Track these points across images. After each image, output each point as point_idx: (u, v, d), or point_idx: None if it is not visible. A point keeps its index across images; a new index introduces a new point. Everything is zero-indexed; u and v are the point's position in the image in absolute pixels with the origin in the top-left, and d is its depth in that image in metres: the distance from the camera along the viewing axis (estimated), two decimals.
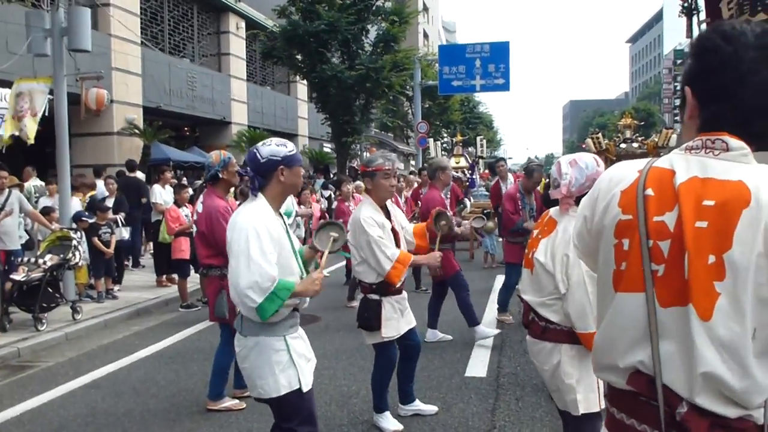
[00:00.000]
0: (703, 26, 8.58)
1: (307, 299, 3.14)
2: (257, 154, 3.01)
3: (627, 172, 1.55)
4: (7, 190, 7.89)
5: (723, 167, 1.41)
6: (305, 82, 23.37)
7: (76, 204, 9.55)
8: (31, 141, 8.31)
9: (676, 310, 1.40)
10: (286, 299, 2.84)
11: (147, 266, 11.84)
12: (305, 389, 2.97)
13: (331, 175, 23.31)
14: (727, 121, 1.45)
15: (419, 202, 9.87)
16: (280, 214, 3.12)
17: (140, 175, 12.78)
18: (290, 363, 2.93)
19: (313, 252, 3.42)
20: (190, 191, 9.79)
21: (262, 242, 2.81)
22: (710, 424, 1.36)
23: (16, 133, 8.11)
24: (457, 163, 18.83)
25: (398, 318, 4.45)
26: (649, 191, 1.46)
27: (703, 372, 1.35)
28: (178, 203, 9.32)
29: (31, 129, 8.20)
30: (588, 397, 3.00)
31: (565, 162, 3.15)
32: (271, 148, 3.02)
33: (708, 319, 1.34)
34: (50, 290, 7.49)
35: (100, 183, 11.71)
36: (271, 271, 2.78)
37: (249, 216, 2.89)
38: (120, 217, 10.18)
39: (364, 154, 28.19)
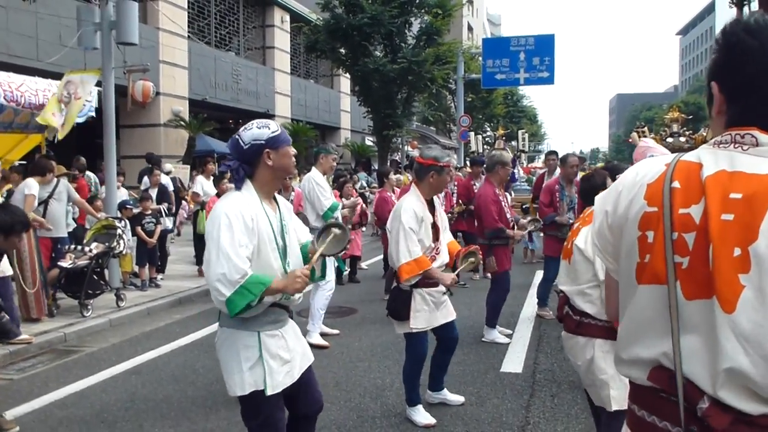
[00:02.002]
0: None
1: (297, 296, 2.90)
2: (239, 141, 2.80)
3: (654, 166, 1.54)
4: (55, 179, 8.14)
5: (752, 161, 1.39)
6: (348, 75, 23.43)
7: (122, 193, 9.78)
8: (62, 134, 8.42)
9: (700, 303, 1.37)
10: (259, 294, 2.62)
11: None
12: (269, 392, 2.75)
13: (373, 169, 23.38)
14: (756, 114, 1.43)
15: (469, 194, 9.81)
16: (275, 199, 2.96)
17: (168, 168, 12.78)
18: (259, 362, 2.75)
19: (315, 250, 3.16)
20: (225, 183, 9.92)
21: (234, 232, 2.63)
22: (732, 420, 1.34)
23: (54, 119, 8.18)
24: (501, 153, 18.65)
25: (430, 310, 4.43)
26: (676, 184, 1.44)
27: (726, 368, 1.32)
28: (219, 194, 9.46)
29: (71, 115, 8.33)
30: (621, 393, 2.95)
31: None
32: (253, 131, 2.80)
33: (731, 312, 1.32)
34: (95, 278, 7.69)
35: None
36: (240, 264, 2.60)
37: (226, 204, 2.72)
38: (163, 207, 10.38)
39: (406, 147, 28.17)
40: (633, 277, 1.52)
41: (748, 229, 1.32)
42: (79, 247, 7.74)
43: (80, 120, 8.95)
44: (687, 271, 1.40)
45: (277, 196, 3.00)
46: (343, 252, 3.32)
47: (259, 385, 2.74)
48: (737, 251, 1.32)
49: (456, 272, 4.54)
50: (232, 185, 2.92)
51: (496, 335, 6.61)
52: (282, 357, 2.82)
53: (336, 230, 3.14)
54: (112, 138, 9.09)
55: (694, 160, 1.47)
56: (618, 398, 2.98)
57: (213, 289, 2.61)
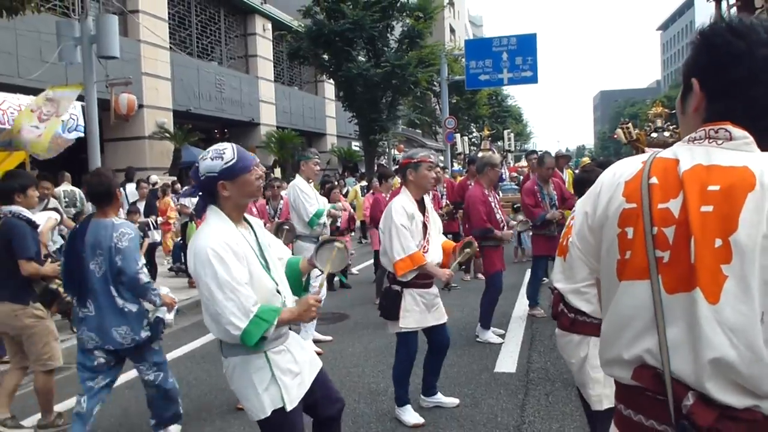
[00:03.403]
0: (733, 11, 8.41)
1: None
2: (198, 170, 2.70)
3: (631, 164, 1.56)
4: (46, 199, 8.16)
5: (727, 155, 1.41)
6: (332, 81, 23.44)
7: None
8: (43, 154, 8.39)
9: (682, 296, 1.39)
10: (273, 322, 2.62)
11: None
12: (289, 407, 2.76)
13: (360, 173, 23.39)
14: (737, 117, 1.44)
15: (464, 194, 9.84)
16: (248, 221, 2.89)
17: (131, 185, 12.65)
18: (273, 381, 2.74)
19: (311, 267, 3.13)
20: None
21: (228, 264, 2.56)
22: (718, 416, 1.35)
23: (29, 129, 8.11)
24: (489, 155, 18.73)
25: (421, 311, 4.46)
26: (654, 180, 1.46)
27: (712, 359, 1.34)
28: None
29: (48, 132, 8.28)
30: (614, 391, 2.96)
31: None
32: (206, 163, 2.68)
33: (716, 302, 1.33)
34: None
35: (131, 186, 11.91)
36: (248, 293, 2.58)
37: (206, 237, 2.62)
38: (151, 220, 10.33)
39: (392, 151, 28.20)
40: (614, 274, 1.53)
41: (727, 220, 1.33)
42: None
43: (71, 137, 8.90)
44: (668, 265, 1.41)
45: (247, 216, 2.94)
46: (349, 259, 3.33)
47: (277, 403, 2.74)
48: (718, 242, 1.34)
49: (452, 265, 4.58)
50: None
51: (490, 335, 6.63)
52: (292, 371, 2.82)
53: (338, 245, 3.14)
54: (96, 152, 9.06)
55: (671, 156, 1.49)
56: (611, 396, 2.97)
57: (226, 324, 2.56)
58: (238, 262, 2.61)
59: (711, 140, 1.44)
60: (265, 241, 2.93)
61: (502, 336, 6.73)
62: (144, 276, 4.04)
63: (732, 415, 1.35)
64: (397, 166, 4.94)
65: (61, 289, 4.76)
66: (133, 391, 5.69)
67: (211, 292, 2.56)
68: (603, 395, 3.04)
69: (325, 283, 3.06)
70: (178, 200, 11.63)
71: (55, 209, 8.25)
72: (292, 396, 2.79)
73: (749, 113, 1.43)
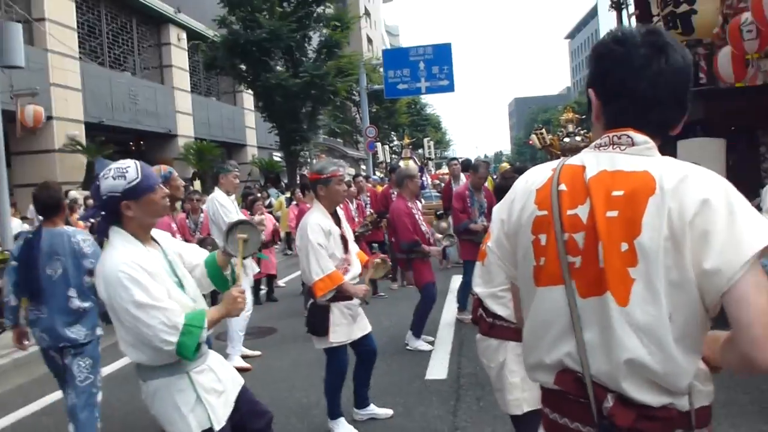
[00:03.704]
0: (633, 19, 8.88)
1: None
2: (99, 190, 2.57)
3: (542, 172, 1.63)
4: None
5: (630, 160, 1.47)
6: (250, 91, 23.17)
7: (16, 224, 9.26)
8: None
9: (595, 300, 1.44)
10: (205, 325, 2.55)
11: None
12: (217, 427, 2.67)
13: (282, 184, 23.17)
14: (629, 114, 1.52)
15: (388, 203, 9.87)
16: (155, 240, 2.78)
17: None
18: (198, 402, 2.64)
19: (227, 257, 3.02)
20: None
21: (142, 283, 2.46)
22: (636, 416, 1.41)
23: None
24: (406, 166, 18.92)
25: (348, 323, 4.45)
26: (563, 186, 1.52)
27: (626, 359, 1.39)
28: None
29: None
30: (533, 394, 2.99)
31: None
32: (108, 182, 2.55)
33: (625, 305, 1.39)
34: None
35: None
36: (171, 306, 2.49)
37: (114, 261, 2.50)
38: None
39: (314, 161, 28.08)
40: (531, 280, 1.59)
41: (631, 224, 1.39)
42: None
43: None
44: (580, 270, 1.46)
45: (154, 232, 2.82)
46: (260, 248, 3.21)
47: (204, 424, 2.64)
48: (624, 246, 1.40)
49: (366, 281, 4.59)
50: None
51: (420, 343, 6.68)
52: (216, 389, 2.74)
53: (244, 230, 3.04)
54: (2, 166, 8.61)
55: (578, 163, 1.55)
56: (530, 399, 3.03)
57: (158, 342, 2.46)
58: (153, 280, 2.51)
59: (615, 146, 1.51)
60: (175, 257, 2.82)
61: (432, 343, 6.79)
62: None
63: (649, 414, 1.41)
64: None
65: None
66: (50, 417, 5.44)
67: (133, 316, 2.45)
68: (522, 399, 3.10)
69: (243, 274, 2.96)
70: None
71: None
72: (219, 415, 2.71)
73: (638, 109, 1.51)
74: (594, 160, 1.52)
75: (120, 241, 2.58)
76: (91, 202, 10.59)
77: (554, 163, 1.62)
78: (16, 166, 15.09)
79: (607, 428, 1.43)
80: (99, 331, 4.36)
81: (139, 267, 2.49)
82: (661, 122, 1.53)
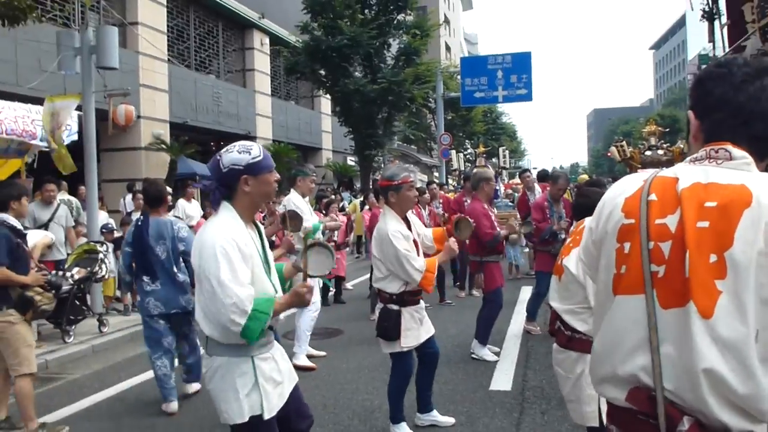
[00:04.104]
0: (725, 30, 8.49)
1: (281, 316, 2.91)
2: (219, 163, 2.71)
3: (633, 181, 1.61)
4: (56, 202, 8.23)
5: (726, 174, 1.44)
6: (328, 96, 23.50)
7: (103, 217, 9.70)
8: (65, 170, 8.60)
9: (676, 311, 1.40)
10: (270, 312, 2.62)
11: None
12: (267, 416, 2.72)
13: (355, 188, 23.39)
14: (727, 127, 1.50)
15: (461, 210, 9.87)
16: (256, 225, 2.89)
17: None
18: (255, 387, 2.70)
19: (295, 270, 3.16)
20: None
21: (233, 261, 2.56)
22: None
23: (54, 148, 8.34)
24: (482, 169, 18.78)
25: (417, 327, 4.47)
26: (653, 196, 1.50)
27: (704, 368, 1.33)
28: (207, 216, 9.39)
29: (58, 149, 8.42)
30: None
31: None
32: (232, 155, 2.70)
33: (709, 317, 1.33)
34: (77, 303, 7.59)
35: (128, 197, 11.87)
36: (248, 291, 2.57)
37: (216, 233, 2.62)
38: None
39: (389, 165, 28.23)
40: (610, 288, 1.55)
41: (723, 236, 1.35)
42: (60, 273, 7.64)
43: (64, 143, 8.95)
44: (663, 279, 1.42)
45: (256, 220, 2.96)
46: (329, 273, 3.29)
47: (256, 410, 2.70)
48: (713, 257, 1.35)
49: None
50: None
51: (486, 352, 6.60)
52: (275, 379, 2.81)
53: (318, 249, 3.13)
54: (93, 162, 9.04)
55: (671, 175, 1.53)
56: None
57: (226, 321, 2.54)
58: (243, 262, 2.60)
59: (711, 160, 1.48)
60: (268, 247, 2.94)
61: (497, 353, 6.71)
62: None
63: None
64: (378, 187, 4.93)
65: (38, 297, 4.86)
66: (123, 403, 5.67)
67: (213, 289, 2.55)
68: (601, 411, 3.05)
69: (313, 282, 2.99)
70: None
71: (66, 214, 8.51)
72: (272, 405, 2.76)
73: (738, 120, 1.48)
74: (688, 173, 1.49)
75: (227, 216, 2.69)
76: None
77: (646, 174, 1.59)
78: (105, 162, 15.80)
79: None
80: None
81: (236, 245, 2.59)
82: (761, 137, 1.49)
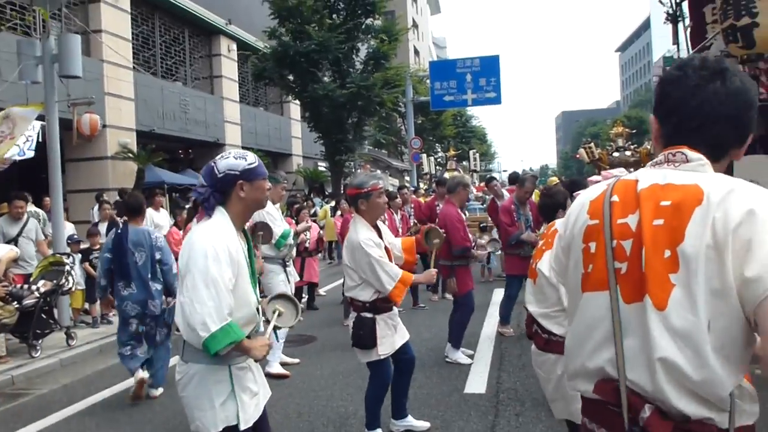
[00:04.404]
0: (689, 31, 8.61)
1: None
2: (214, 168, 2.73)
3: (598, 187, 1.71)
4: (24, 217, 8.12)
5: (681, 175, 1.52)
6: (297, 102, 23.44)
7: (69, 228, 9.52)
8: None
9: (637, 306, 1.48)
10: (238, 341, 2.55)
11: None
12: (243, 426, 2.67)
13: (326, 193, 23.33)
14: (683, 131, 1.58)
15: (432, 214, 9.89)
16: (245, 234, 2.88)
17: None
18: (231, 396, 2.66)
19: (262, 317, 3.01)
20: (185, 213, 9.76)
21: (222, 265, 2.54)
22: (673, 428, 1.41)
23: None
24: (456, 174, 18.87)
25: (392, 334, 4.44)
26: (615, 198, 1.59)
27: (659, 357, 1.41)
28: (178, 225, 9.27)
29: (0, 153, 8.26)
30: None
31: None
32: (229, 161, 2.73)
33: (663, 309, 1.41)
34: (44, 316, 7.43)
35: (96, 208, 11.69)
36: (230, 299, 2.55)
37: (208, 235, 2.61)
38: None
39: (359, 171, 28.22)
40: (578, 287, 1.64)
41: (676, 232, 1.43)
42: (26, 286, 7.47)
43: (25, 156, 8.76)
44: (625, 275, 1.51)
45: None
46: (297, 321, 3.20)
47: (231, 420, 2.65)
48: (667, 253, 1.43)
49: (432, 262, 4.85)
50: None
51: (460, 356, 6.61)
52: (252, 390, 2.76)
53: (283, 303, 3.07)
54: (57, 172, 8.86)
55: (632, 178, 1.63)
56: None
57: (198, 323, 2.47)
58: (230, 268, 2.58)
59: (669, 163, 1.57)
60: (254, 256, 2.91)
61: (471, 356, 6.72)
62: (174, 265, 5.81)
63: (687, 428, 1.41)
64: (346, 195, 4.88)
65: None
66: (93, 418, 5.55)
67: (195, 286, 2.50)
68: None
69: (271, 332, 2.96)
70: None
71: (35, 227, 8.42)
72: (248, 415, 2.71)
73: (693, 123, 1.56)
74: (647, 175, 1.58)
75: (221, 220, 2.69)
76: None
77: (611, 180, 1.68)
78: (70, 173, 15.55)
79: None
80: (164, 305, 5.88)
81: (227, 251, 2.58)
82: (716, 142, 1.56)
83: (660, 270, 1.43)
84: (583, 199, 1.70)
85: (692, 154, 1.53)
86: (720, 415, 1.41)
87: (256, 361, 2.77)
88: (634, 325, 1.47)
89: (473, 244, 6.78)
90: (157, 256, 5.81)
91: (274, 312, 3.00)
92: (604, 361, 1.53)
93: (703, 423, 1.41)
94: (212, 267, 2.52)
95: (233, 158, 2.75)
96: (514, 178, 11.37)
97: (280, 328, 3.07)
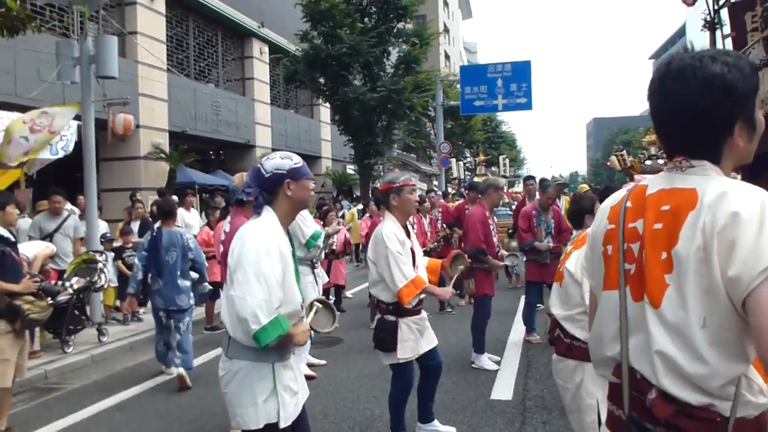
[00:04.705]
0: (728, 40, 8.44)
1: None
2: (261, 169, 2.82)
3: (621, 192, 1.81)
4: (65, 213, 8.25)
5: (684, 178, 1.60)
6: (328, 104, 23.55)
7: (102, 226, 9.68)
8: (27, 169, 8.61)
9: (641, 304, 1.59)
10: (286, 331, 2.62)
11: None
12: (282, 424, 2.71)
13: (354, 197, 23.38)
14: (671, 135, 1.66)
15: (461, 217, 9.86)
16: (288, 234, 2.93)
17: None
18: (273, 394, 2.70)
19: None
20: (217, 213, 9.86)
21: (273, 260, 2.62)
22: (675, 411, 1.50)
23: (18, 141, 8.24)
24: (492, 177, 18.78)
25: (416, 339, 4.40)
26: (629, 203, 1.69)
27: (656, 350, 1.52)
28: (210, 225, 9.35)
29: (37, 147, 8.36)
30: None
31: None
32: (275, 161, 2.84)
33: (658, 307, 1.52)
34: (77, 313, 7.56)
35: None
36: (279, 293, 2.62)
37: (260, 231, 2.69)
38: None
39: (387, 173, 28.24)
40: (600, 286, 1.76)
41: (672, 235, 1.52)
42: (60, 283, 7.61)
43: (58, 156, 8.92)
44: (634, 276, 1.62)
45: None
46: (333, 328, 3.34)
47: (272, 417, 2.70)
48: (664, 255, 1.53)
49: (452, 282, 4.75)
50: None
51: (486, 361, 6.57)
52: (292, 389, 2.81)
53: (321, 308, 3.19)
54: (92, 171, 9.03)
55: (645, 183, 1.71)
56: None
57: (250, 315, 2.54)
58: (279, 265, 2.66)
59: (677, 169, 1.63)
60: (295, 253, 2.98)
61: (498, 362, 6.68)
62: (206, 262, 6.87)
63: (689, 412, 1.49)
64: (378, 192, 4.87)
65: (26, 306, 4.82)
66: (123, 413, 5.63)
67: (247, 280, 2.57)
68: (601, 422, 3.02)
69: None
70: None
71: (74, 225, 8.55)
72: (288, 413, 2.75)
73: (674, 129, 1.63)
74: (656, 181, 1.67)
75: (271, 218, 2.78)
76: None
77: (630, 185, 1.78)
78: (104, 172, 15.81)
79: (633, 419, 1.58)
80: (192, 302, 6.57)
81: (277, 248, 2.68)
82: (703, 141, 1.59)
83: (657, 271, 1.53)
84: (606, 204, 1.80)
85: (695, 160, 1.59)
86: (722, 402, 1.47)
87: (297, 344, 2.82)
88: (639, 321, 1.58)
89: (498, 250, 6.72)
90: (190, 256, 6.50)
91: (311, 307, 3.11)
92: (617, 352, 1.66)
93: (705, 408, 1.48)
94: (264, 262, 2.59)
95: (279, 158, 2.84)
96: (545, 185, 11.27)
97: (317, 332, 3.16)
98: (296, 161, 2.86)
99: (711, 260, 1.43)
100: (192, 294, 6.56)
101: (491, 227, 6.74)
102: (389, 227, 4.33)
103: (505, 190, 25.27)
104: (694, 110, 1.56)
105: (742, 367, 1.48)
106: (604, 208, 1.80)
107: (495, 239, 6.74)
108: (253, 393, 2.68)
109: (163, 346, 6.55)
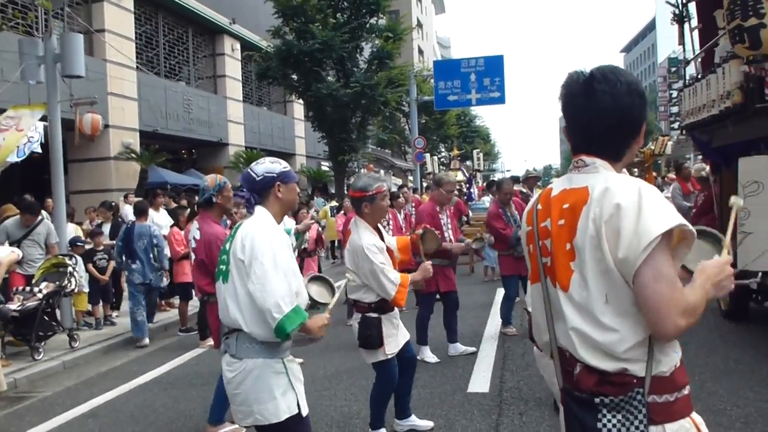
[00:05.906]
0: (695, 33, 8.52)
1: None
2: (251, 173, 2.97)
3: (535, 196, 2.06)
4: (36, 219, 8.11)
5: (581, 178, 1.86)
6: (301, 101, 23.43)
7: (71, 229, 9.50)
8: None
9: (555, 290, 1.85)
10: (303, 322, 2.77)
11: None
12: (305, 412, 2.86)
13: (329, 193, 23.31)
14: (580, 139, 1.88)
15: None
16: None
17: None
18: (289, 386, 2.82)
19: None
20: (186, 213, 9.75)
21: (286, 251, 2.79)
22: (597, 381, 1.73)
23: None
24: (454, 177, 18.81)
25: (396, 333, 4.44)
26: (539, 206, 1.97)
27: (571, 327, 1.77)
28: (180, 226, 9.26)
29: (7, 146, 8.19)
30: None
31: None
32: (266, 165, 2.99)
33: (567, 290, 1.80)
34: (46, 318, 7.42)
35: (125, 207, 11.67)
36: (297, 282, 2.81)
37: (266, 226, 2.84)
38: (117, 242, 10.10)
39: (362, 170, 28.22)
40: (529, 280, 2.04)
41: (571, 229, 1.79)
42: (28, 288, 7.45)
43: (22, 157, 8.73)
44: (550, 268, 1.88)
45: None
46: (335, 299, 3.44)
47: (293, 409, 2.82)
48: (568, 246, 1.80)
49: (427, 259, 4.73)
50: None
51: (427, 354, 6.68)
52: (301, 380, 2.94)
53: (324, 285, 3.50)
54: (60, 173, 8.85)
55: (551, 186, 1.98)
56: None
57: (273, 305, 2.65)
58: (291, 257, 2.86)
59: (575, 169, 1.89)
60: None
61: (474, 354, 6.69)
62: (167, 251, 9.02)
63: (608, 379, 1.71)
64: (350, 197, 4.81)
65: None
66: (96, 420, 5.54)
67: (265, 271, 2.68)
68: None
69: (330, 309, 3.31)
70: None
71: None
72: (305, 403, 2.89)
73: (584, 134, 1.86)
74: (560, 182, 1.94)
75: (268, 215, 2.92)
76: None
77: (541, 191, 2.05)
78: (73, 173, 15.57)
79: (567, 390, 1.82)
80: (163, 282, 9.24)
81: (287, 242, 2.87)
82: (609, 145, 1.84)
83: (564, 260, 1.80)
84: (526, 208, 2.08)
85: (588, 159, 1.85)
86: (633, 365, 1.70)
87: (316, 336, 2.96)
88: (558, 306, 1.83)
89: (448, 241, 6.74)
90: (154, 241, 8.56)
91: (330, 289, 3.44)
92: (548, 336, 1.91)
93: (620, 374, 1.70)
94: (279, 253, 2.75)
95: (269, 163, 3.02)
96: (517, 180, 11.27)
97: (326, 305, 3.31)
98: (285, 166, 3.03)
99: (602, 246, 1.69)
100: (157, 274, 8.67)
101: (443, 221, 6.82)
102: (367, 239, 4.27)
103: (480, 184, 25.33)
104: (623, 110, 1.80)
105: (643, 333, 1.70)
106: (524, 213, 2.08)
107: (447, 234, 6.77)
108: (271, 388, 2.78)
109: (141, 314, 8.30)
